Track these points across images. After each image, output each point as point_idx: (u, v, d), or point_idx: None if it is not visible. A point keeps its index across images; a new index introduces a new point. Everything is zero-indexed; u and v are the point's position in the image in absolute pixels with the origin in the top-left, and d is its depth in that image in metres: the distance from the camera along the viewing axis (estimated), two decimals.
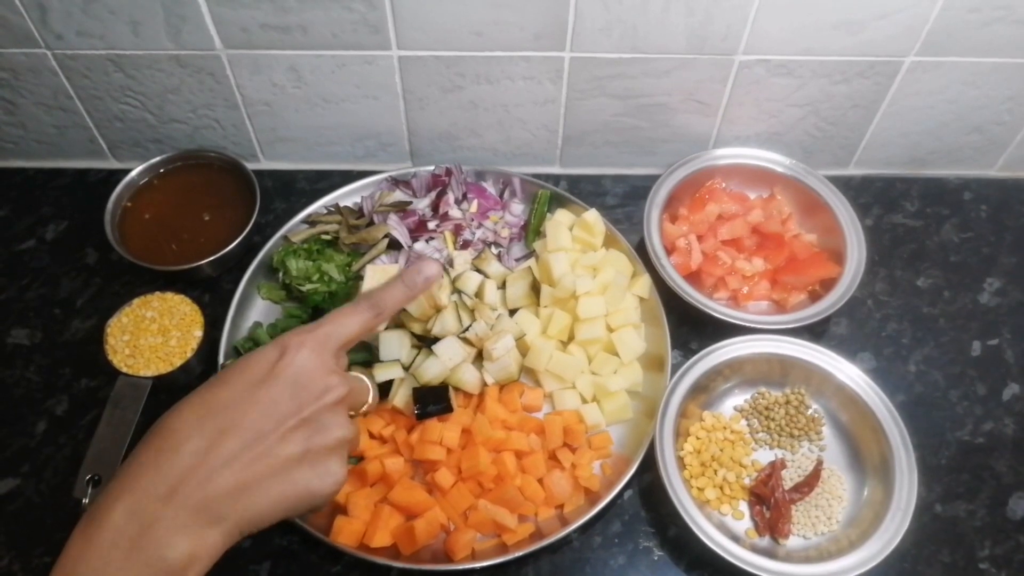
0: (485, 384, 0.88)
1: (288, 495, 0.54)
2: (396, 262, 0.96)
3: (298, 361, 0.56)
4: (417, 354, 0.87)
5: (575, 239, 0.97)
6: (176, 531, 0.49)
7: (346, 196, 1.02)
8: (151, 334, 0.88)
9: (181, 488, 0.50)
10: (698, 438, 0.87)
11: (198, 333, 0.88)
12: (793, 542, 0.82)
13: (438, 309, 0.87)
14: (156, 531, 0.49)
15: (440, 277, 0.66)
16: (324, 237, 0.99)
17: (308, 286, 0.93)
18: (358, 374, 0.66)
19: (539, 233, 1.00)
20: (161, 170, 1.02)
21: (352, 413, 0.62)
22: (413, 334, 0.88)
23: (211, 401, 0.54)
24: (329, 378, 0.57)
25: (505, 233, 1.00)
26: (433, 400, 0.84)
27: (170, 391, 0.84)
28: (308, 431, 0.55)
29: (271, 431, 0.53)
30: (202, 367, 0.90)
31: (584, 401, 0.89)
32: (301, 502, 0.54)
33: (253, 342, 0.88)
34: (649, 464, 0.83)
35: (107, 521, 0.48)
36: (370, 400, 0.66)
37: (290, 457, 0.54)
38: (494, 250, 0.98)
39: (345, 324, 0.61)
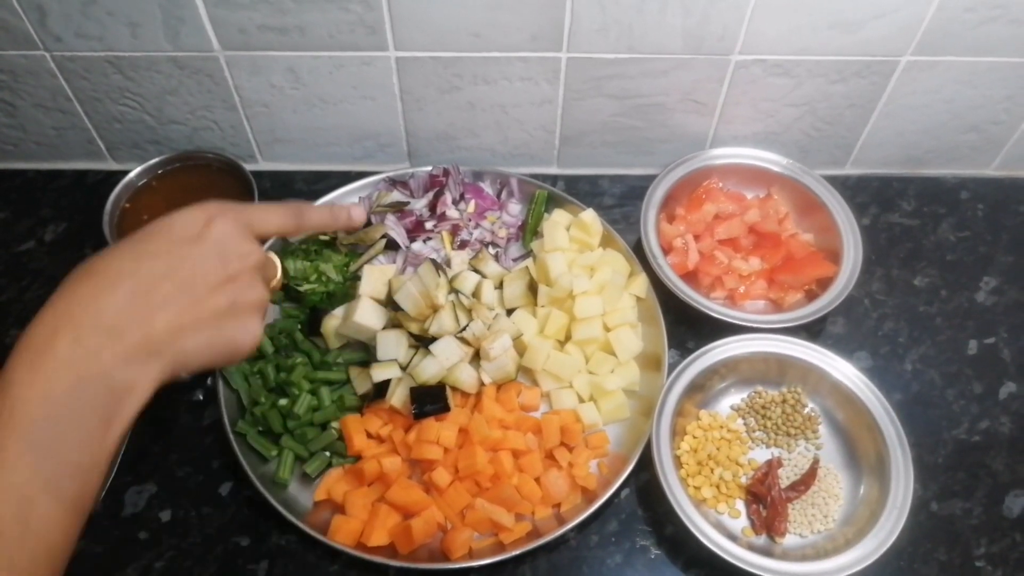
0: (482, 384, 0.88)
1: (215, 343, 0.57)
2: (394, 262, 0.97)
3: (224, 228, 0.59)
4: (414, 354, 0.87)
5: (572, 239, 0.97)
6: (119, 361, 0.52)
7: (344, 197, 1.03)
8: None
9: (122, 323, 0.52)
10: (695, 437, 0.88)
11: None
12: (789, 540, 0.82)
13: (435, 309, 0.88)
14: (101, 358, 0.51)
15: (362, 224, 0.72)
16: (322, 237, 0.99)
17: (306, 286, 0.93)
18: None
19: (536, 233, 1.00)
20: (160, 171, 1.02)
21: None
22: (410, 334, 0.89)
23: (142, 251, 0.56)
24: (251, 244, 0.61)
25: (502, 233, 1.00)
26: (430, 400, 0.84)
27: (168, 389, 0.84)
28: (234, 288, 0.59)
29: (201, 283, 0.57)
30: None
31: (581, 400, 0.90)
32: (225, 350, 0.58)
33: None
34: (646, 463, 0.83)
35: (52, 350, 0.50)
36: (278, 276, 0.69)
37: (218, 309, 0.57)
38: (491, 250, 0.99)
39: (267, 216, 0.65)
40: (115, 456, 0.53)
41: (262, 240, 0.64)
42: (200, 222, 0.59)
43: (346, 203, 0.70)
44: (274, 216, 0.65)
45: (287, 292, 0.95)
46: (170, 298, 0.55)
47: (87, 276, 0.54)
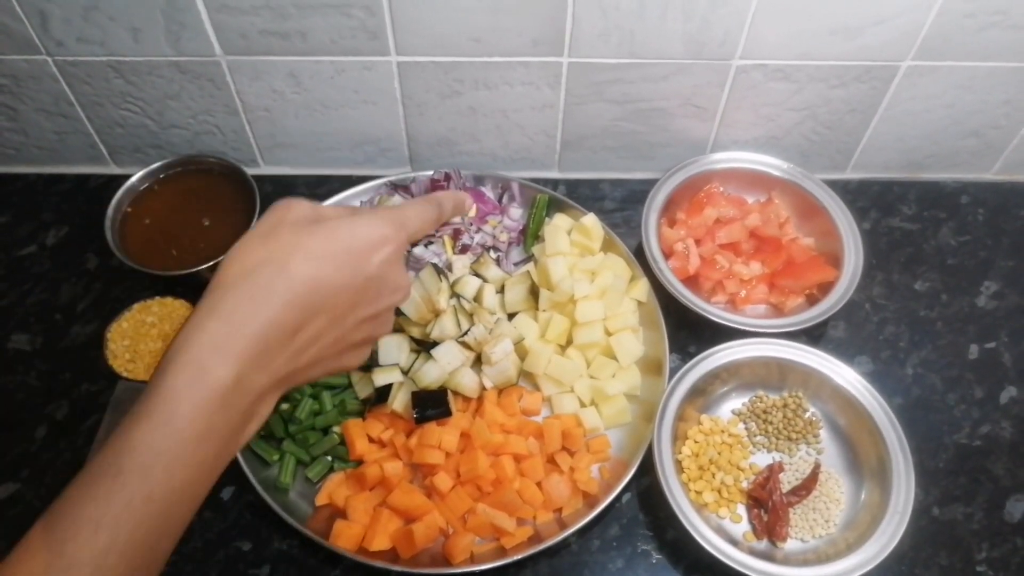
0: (484, 388, 0.88)
1: (332, 370, 0.58)
2: None
3: (392, 257, 0.57)
4: (416, 358, 0.87)
5: (573, 243, 0.98)
6: (263, 396, 0.52)
7: (346, 201, 1.03)
8: (151, 339, 0.88)
9: (277, 361, 0.52)
10: (696, 441, 0.88)
11: None
12: (791, 545, 0.82)
13: (437, 313, 0.88)
14: (245, 386, 0.50)
15: (468, 212, 0.72)
16: None
17: None
18: None
19: (538, 237, 1.00)
20: (161, 176, 1.03)
21: None
22: (412, 338, 0.89)
23: (320, 279, 0.53)
24: (405, 277, 0.60)
25: (504, 237, 1.00)
26: (432, 404, 0.84)
27: None
28: (374, 325, 0.59)
29: (351, 318, 0.56)
30: None
31: (582, 405, 0.90)
32: (332, 372, 0.59)
33: None
34: (647, 468, 0.83)
35: (212, 376, 0.49)
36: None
37: (353, 342, 0.57)
38: (493, 254, 0.99)
39: (422, 219, 0.62)
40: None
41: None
42: (377, 244, 0.56)
43: (458, 193, 0.70)
44: (427, 215, 0.63)
45: None
46: (322, 334, 0.54)
47: (267, 295, 0.52)
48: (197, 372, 0.49)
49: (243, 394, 0.50)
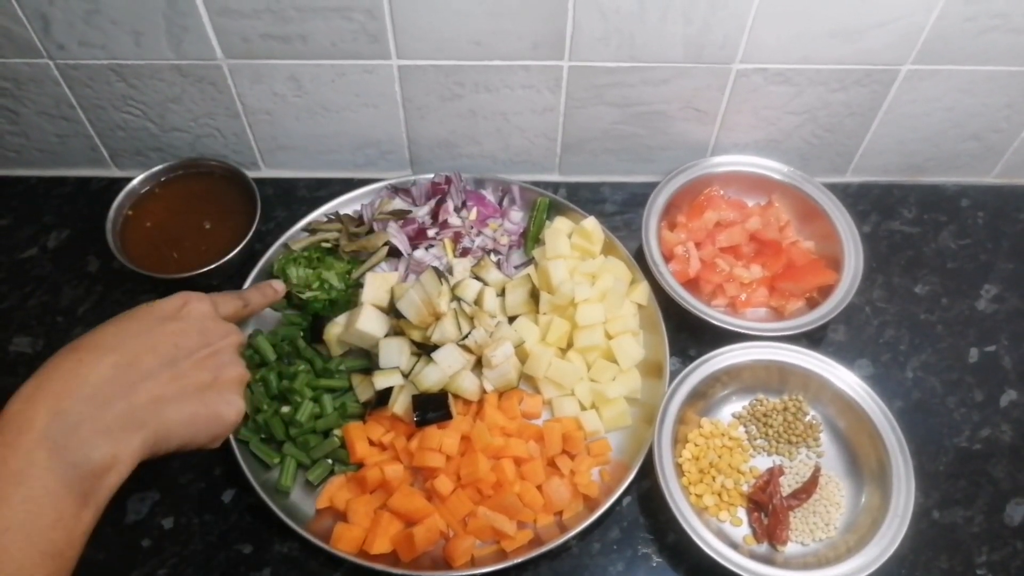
0: (484, 391, 0.88)
1: (199, 414, 0.58)
2: (396, 270, 0.97)
3: (201, 308, 0.64)
4: (416, 361, 0.88)
5: (574, 246, 0.98)
6: (101, 433, 0.52)
7: (346, 204, 1.03)
8: None
9: (106, 393, 0.53)
10: (696, 445, 0.88)
11: None
12: (791, 548, 0.82)
13: (437, 316, 0.88)
14: (81, 432, 0.51)
15: (282, 294, 0.81)
16: (324, 245, 0.99)
17: (308, 294, 0.94)
18: None
19: (538, 240, 1.00)
20: (162, 179, 1.03)
21: None
22: (412, 341, 0.89)
23: (125, 328, 0.59)
24: (228, 325, 0.65)
25: (504, 240, 1.00)
26: (432, 407, 0.84)
27: None
28: (216, 362, 0.61)
29: (184, 357, 0.59)
30: None
31: (583, 408, 0.90)
32: (209, 424, 0.59)
33: (253, 350, 0.89)
34: (648, 471, 0.83)
35: (31, 423, 0.50)
36: (248, 355, 0.76)
37: (201, 382, 0.59)
38: (493, 257, 0.99)
39: (225, 302, 0.70)
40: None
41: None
42: (178, 305, 0.63)
43: (270, 283, 0.82)
44: (229, 301, 0.70)
45: (290, 299, 0.95)
46: (153, 370, 0.56)
47: (71, 351, 0.55)
48: (7, 419, 0.50)
49: (69, 431, 0.50)
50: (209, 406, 0.59)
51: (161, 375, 0.57)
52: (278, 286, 0.78)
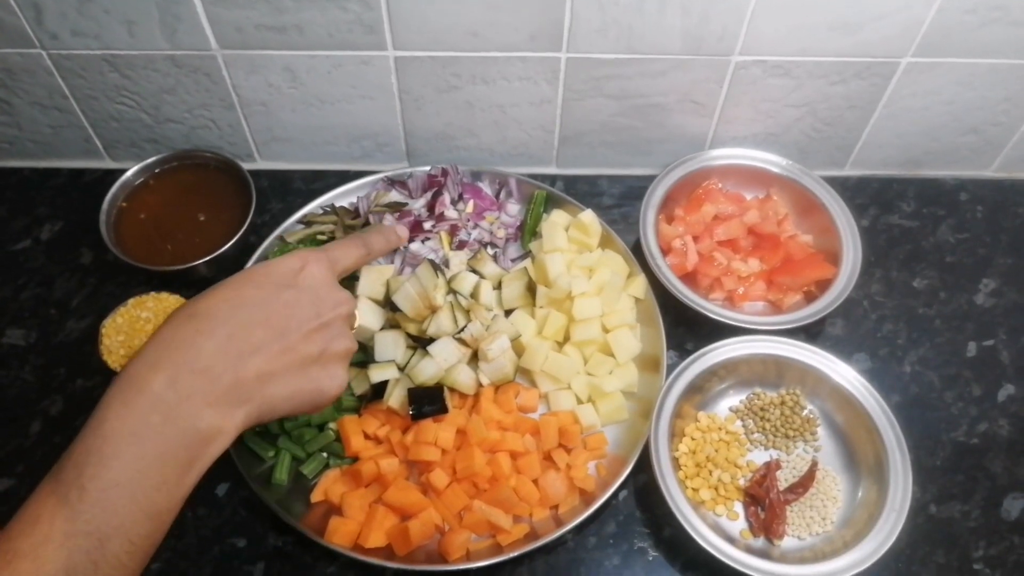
0: (480, 385, 0.88)
1: (303, 389, 0.59)
2: (392, 263, 0.96)
3: (317, 273, 0.62)
4: (412, 355, 0.87)
5: (571, 240, 0.97)
6: (209, 404, 0.53)
7: (342, 196, 1.02)
8: (146, 335, 0.88)
9: (216, 367, 0.54)
10: (693, 439, 0.87)
11: None
12: (788, 543, 0.82)
13: (433, 310, 0.87)
14: (192, 402, 0.52)
15: (407, 240, 0.77)
16: (320, 237, 0.99)
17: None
18: None
19: (535, 234, 1.00)
20: (157, 170, 1.02)
21: None
22: (408, 335, 0.88)
23: (241, 295, 0.58)
24: (342, 292, 0.64)
25: (501, 233, 1.00)
26: (428, 401, 0.84)
27: None
28: (325, 336, 0.61)
29: (294, 330, 0.59)
30: None
31: (579, 402, 0.89)
32: (312, 398, 0.60)
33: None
34: (644, 465, 0.83)
35: (147, 387, 0.52)
36: (356, 325, 0.72)
37: (308, 356, 0.59)
38: (490, 251, 0.98)
39: (346, 254, 0.68)
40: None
41: (344, 276, 0.67)
42: (295, 267, 0.62)
43: (387, 223, 0.79)
44: (351, 252, 0.69)
45: None
46: (263, 344, 0.57)
47: (188, 318, 0.56)
48: (128, 380, 0.52)
49: (182, 400, 0.52)
50: (313, 381, 0.60)
51: (270, 349, 0.57)
52: (402, 231, 0.76)
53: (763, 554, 0.79)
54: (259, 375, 0.56)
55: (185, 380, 0.53)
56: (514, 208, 1.02)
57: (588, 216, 0.97)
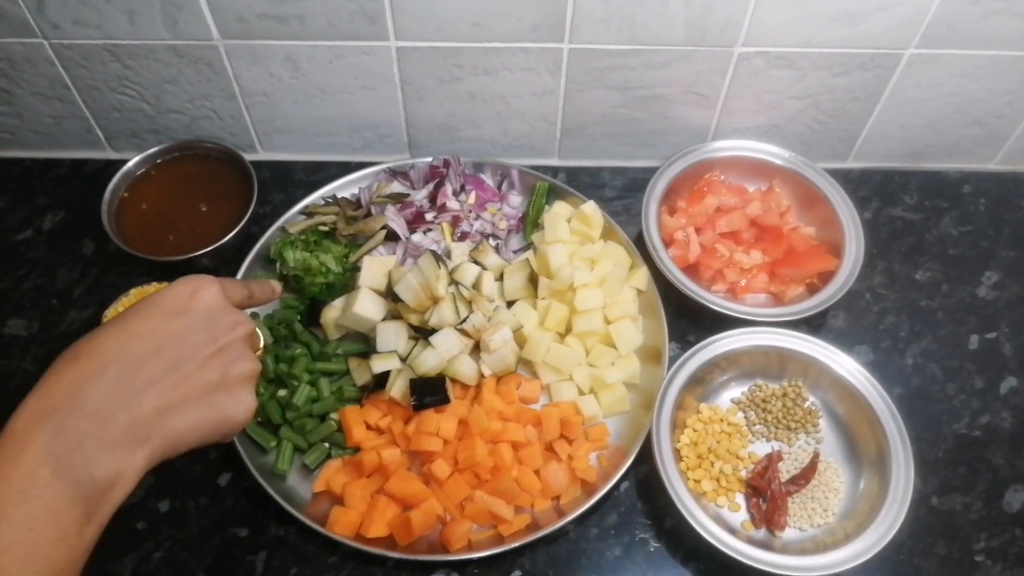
0: (482, 375, 0.88)
1: (207, 418, 0.56)
2: (393, 253, 0.96)
3: (209, 297, 0.59)
4: (414, 345, 0.87)
5: (573, 231, 0.97)
6: (104, 449, 0.50)
7: (344, 187, 1.02)
8: None
9: (106, 408, 0.51)
10: (695, 430, 0.87)
11: None
12: (789, 534, 0.82)
13: (435, 300, 0.87)
14: (84, 449, 0.50)
15: (279, 294, 0.74)
16: (322, 228, 0.98)
17: (306, 277, 0.93)
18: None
19: (537, 225, 1.00)
20: (158, 161, 1.02)
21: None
22: (410, 325, 0.88)
23: (127, 330, 0.56)
24: (237, 314, 0.61)
25: (503, 225, 1.00)
26: (430, 391, 0.84)
27: None
28: (224, 360, 0.58)
29: (190, 358, 0.56)
30: None
31: (581, 393, 0.89)
32: (218, 427, 0.57)
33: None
34: (646, 456, 0.83)
35: (32, 441, 0.49)
36: (261, 347, 0.70)
37: (208, 383, 0.57)
38: (492, 242, 0.98)
39: (234, 286, 0.65)
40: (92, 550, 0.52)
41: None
42: (185, 295, 0.59)
43: (269, 282, 0.73)
44: (238, 287, 0.66)
45: (287, 283, 0.94)
46: (157, 377, 0.54)
47: (71, 361, 0.53)
48: (10, 437, 0.49)
49: (72, 449, 0.49)
50: (216, 408, 0.57)
51: (165, 381, 0.54)
52: (276, 287, 0.73)
53: (764, 545, 0.79)
54: (157, 410, 0.53)
55: (73, 427, 0.49)
56: (516, 199, 1.02)
57: (590, 208, 0.97)
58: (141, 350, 0.54)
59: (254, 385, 0.61)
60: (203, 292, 0.59)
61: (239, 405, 0.58)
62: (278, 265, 0.95)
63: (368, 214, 0.99)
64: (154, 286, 0.90)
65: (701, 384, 0.89)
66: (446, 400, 0.84)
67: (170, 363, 0.55)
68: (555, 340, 0.91)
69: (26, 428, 0.49)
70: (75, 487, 0.49)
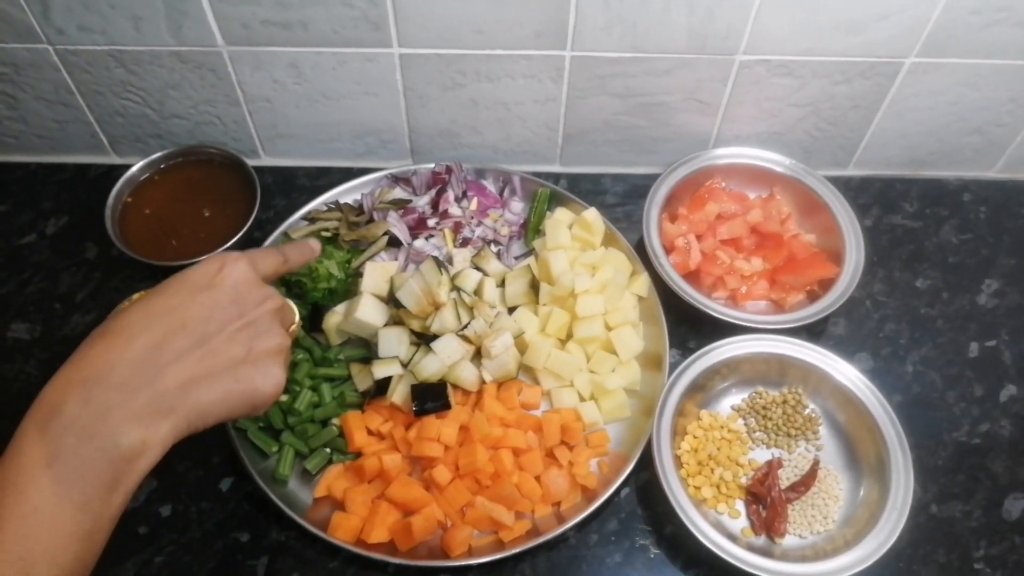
0: (483, 382, 0.88)
1: (234, 391, 0.57)
2: (396, 259, 0.97)
3: (236, 272, 0.60)
4: (416, 351, 0.87)
5: (574, 237, 0.97)
6: (129, 420, 0.51)
7: (346, 193, 1.03)
8: None
9: (134, 380, 0.52)
10: (695, 437, 0.88)
11: None
12: (789, 541, 0.82)
13: (437, 306, 0.87)
14: (110, 419, 0.51)
15: (318, 252, 0.74)
16: (324, 234, 0.99)
17: (308, 283, 0.93)
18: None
19: (539, 231, 1.00)
20: (162, 166, 1.02)
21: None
22: (412, 331, 0.88)
23: (157, 305, 0.57)
24: (266, 289, 0.62)
25: (505, 231, 1.00)
26: (431, 397, 0.84)
27: None
28: (251, 333, 0.58)
29: (216, 332, 0.57)
30: None
31: (582, 399, 0.90)
32: (245, 399, 0.57)
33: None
34: (646, 462, 0.83)
35: (61, 409, 0.50)
36: (296, 321, 0.70)
37: (235, 356, 0.57)
38: (493, 248, 0.98)
39: (265, 258, 0.65)
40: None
41: (266, 281, 0.64)
42: (212, 270, 0.59)
43: (306, 240, 0.74)
44: (270, 257, 0.66)
45: (289, 288, 0.94)
46: (183, 351, 0.55)
47: (101, 336, 0.55)
48: (39, 406, 0.51)
49: (98, 418, 0.51)
50: (242, 382, 0.57)
51: (191, 355, 0.55)
52: (315, 245, 0.74)
53: (764, 552, 0.79)
54: (182, 383, 0.54)
55: (99, 397, 0.51)
56: (518, 206, 1.02)
57: (592, 214, 0.97)
58: (167, 325, 0.55)
59: (283, 359, 0.61)
60: (230, 267, 0.60)
61: (267, 378, 0.58)
62: None
63: (370, 220, 0.99)
64: None
65: (701, 391, 0.90)
66: (447, 406, 0.84)
67: (196, 338, 0.56)
68: (556, 346, 0.91)
69: (55, 397, 0.51)
70: (102, 454, 0.50)
